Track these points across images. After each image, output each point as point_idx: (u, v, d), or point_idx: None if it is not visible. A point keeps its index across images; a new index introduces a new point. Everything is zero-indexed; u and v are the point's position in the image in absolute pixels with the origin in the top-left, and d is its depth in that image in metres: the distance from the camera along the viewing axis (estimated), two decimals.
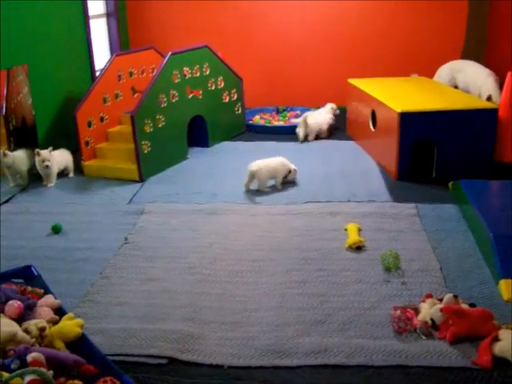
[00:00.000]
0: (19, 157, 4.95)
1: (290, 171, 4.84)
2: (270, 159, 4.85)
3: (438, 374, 2.49)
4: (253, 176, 4.72)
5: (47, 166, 4.94)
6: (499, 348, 2.55)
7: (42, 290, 2.93)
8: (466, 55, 6.85)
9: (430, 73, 6.52)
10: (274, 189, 4.77)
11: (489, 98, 5.50)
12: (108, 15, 7.17)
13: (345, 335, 2.78)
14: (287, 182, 4.88)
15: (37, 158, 4.92)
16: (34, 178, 5.09)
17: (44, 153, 4.90)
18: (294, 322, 2.90)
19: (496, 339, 2.60)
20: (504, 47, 6.31)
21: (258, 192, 4.70)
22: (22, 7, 5.14)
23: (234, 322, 2.92)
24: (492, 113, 4.74)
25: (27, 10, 5.21)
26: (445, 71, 6.35)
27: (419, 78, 6.34)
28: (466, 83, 5.92)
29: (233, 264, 3.53)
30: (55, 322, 2.65)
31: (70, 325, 2.61)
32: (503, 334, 2.61)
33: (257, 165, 4.72)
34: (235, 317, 2.97)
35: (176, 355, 2.66)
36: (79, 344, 2.54)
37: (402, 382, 2.46)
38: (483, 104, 4.92)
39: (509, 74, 5.07)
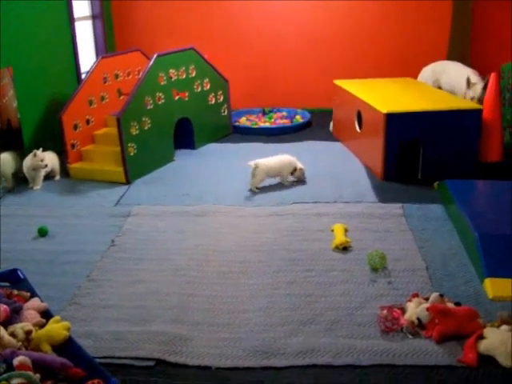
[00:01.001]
0: (4, 159, 4.92)
1: (295, 169, 4.86)
2: (273, 157, 4.88)
3: (425, 373, 2.51)
4: (254, 172, 4.74)
5: (46, 166, 4.94)
6: (484, 346, 2.58)
7: (29, 294, 2.90)
8: (451, 56, 6.90)
9: (415, 74, 6.56)
10: (272, 188, 4.79)
11: (468, 81, 5.52)
12: (93, 17, 7.14)
13: (332, 335, 2.79)
14: (295, 181, 4.93)
15: (33, 160, 4.89)
16: (20, 181, 5.06)
17: (40, 153, 4.88)
18: (281, 323, 2.91)
19: (481, 337, 2.62)
20: (488, 48, 6.37)
21: (246, 193, 4.70)
22: (7, 9, 5.11)
23: (221, 324, 2.92)
24: (477, 113, 4.78)
25: (12, 13, 5.18)
26: (427, 73, 6.38)
27: (404, 79, 6.37)
28: (451, 84, 5.95)
29: (220, 265, 3.53)
30: (42, 326, 2.63)
31: (57, 328, 2.59)
32: (488, 332, 2.64)
33: (255, 162, 4.76)
34: (223, 318, 2.97)
35: (164, 357, 2.66)
36: (66, 347, 2.53)
37: (389, 381, 2.48)
38: (468, 105, 4.95)
39: (492, 74, 5.13)
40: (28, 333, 2.51)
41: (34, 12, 5.52)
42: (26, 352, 2.39)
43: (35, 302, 2.82)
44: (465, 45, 7.02)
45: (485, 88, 5.30)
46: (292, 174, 4.88)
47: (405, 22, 7.22)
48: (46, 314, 2.75)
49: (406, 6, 7.14)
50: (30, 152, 4.92)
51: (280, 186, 4.83)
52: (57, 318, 2.69)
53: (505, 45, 5.81)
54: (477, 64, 5.62)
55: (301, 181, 4.92)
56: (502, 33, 5.94)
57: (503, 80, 5.55)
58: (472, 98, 5.44)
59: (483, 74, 5.55)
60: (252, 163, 4.74)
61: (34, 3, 5.51)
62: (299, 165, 4.88)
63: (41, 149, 4.92)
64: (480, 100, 5.34)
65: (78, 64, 6.37)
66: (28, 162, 4.94)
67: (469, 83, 5.49)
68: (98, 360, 2.54)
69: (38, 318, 2.68)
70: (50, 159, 5.11)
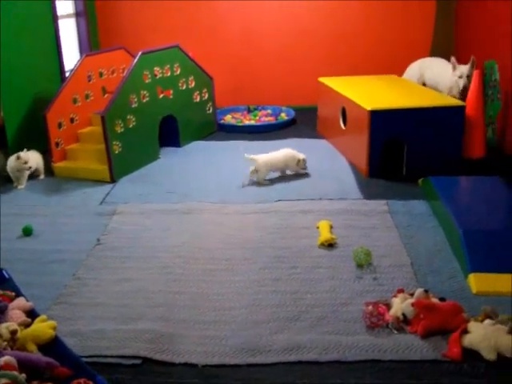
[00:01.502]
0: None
1: (299, 160, 4.94)
2: (276, 152, 4.96)
3: (410, 368, 2.54)
4: (255, 168, 4.81)
5: (30, 168, 4.92)
6: (469, 340, 2.61)
7: (14, 293, 2.90)
8: (434, 53, 6.93)
9: (400, 71, 6.59)
10: (256, 185, 4.81)
11: (453, 64, 5.57)
12: (77, 15, 7.09)
13: (318, 332, 2.80)
14: (298, 173, 5.01)
15: (17, 162, 4.85)
16: (4, 180, 5.03)
17: (24, 155, 4.85)
18: (267, 320, 2.92)
19: (465, 332, 2.65)
20: (471, 45, 6.41)
21: (231, 190, 4.70)
22: None
23: (207, 321, 2.93)
24: (460, 110, 4.82)
25: None
26: (413, 69, 6.42)
27: (389, 77, 6.40)
28: (435, 80, 6.00)
29: (206, 263, 3.53)
30: (27, 325, 2.63)
31: (43, 327, 2.59)
32: (472, 326, 2.66)
33: (259, 157, 4.82)
34: (209, 315, 2.98)
35: (150, 355, 2.66)
36: (52, 346, 2.53)
37: (375, 376, 2.50)
38: (451, 101, 4.99)
39: (475, 72, 5.17)
40: (13, 332, 2.51)
41: (16, 10, 5.47)
42: (11, 352, 2.38)
43: (20, 302, 2.81)
44: (448, 42, 7.07)
45: (472, 66, 5.36)
46: (297, 165, 4.98)
47: (389, 20, 7.25)
48: (32, 314, 2.75)
49: (390, 4, 7.15)
50: (15, 151, 4.88)
51: (262, 184, 4.84)
52: (43, 317, 2.69)
53: (487, 42, 5.86)
54: (460, 61, 5.65)
55: (303, 172, 5.03)
56: (484, 31, 5.98)
57: (486, 77, 5.60)
58: (460, 76, 5.48)
59: (474, 65, 5.58)
60: (249, 157, 4.81)
61: (17, 1, 5.46)
62: (301, 155, 4.98)
63: (25, 150, 4.89)
64: (469, 76, 5.40)
65: (61, 62, 6.32)
66: (12, 163, 4.90)
67: (454, 66, 5.53)
68: (84, 359, 2.54)
69: (23, 318, 2.68)
70: (34, 159, 5.07)
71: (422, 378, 2.47)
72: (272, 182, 4.88)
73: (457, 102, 4.94)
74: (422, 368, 2.53)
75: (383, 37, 7.29)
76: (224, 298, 3.14)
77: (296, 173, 5.01)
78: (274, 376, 2.53)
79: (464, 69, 5.47)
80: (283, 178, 4.95)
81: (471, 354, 2.58)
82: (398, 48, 7.22)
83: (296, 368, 2.57)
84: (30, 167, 4.92)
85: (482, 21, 6.10)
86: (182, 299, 3.13)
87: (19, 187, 4.94)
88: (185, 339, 2.79)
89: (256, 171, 4.83)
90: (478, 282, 3.12)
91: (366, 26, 7.30)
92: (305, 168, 5.03)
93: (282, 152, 4.97)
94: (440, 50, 7.01)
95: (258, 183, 4.84)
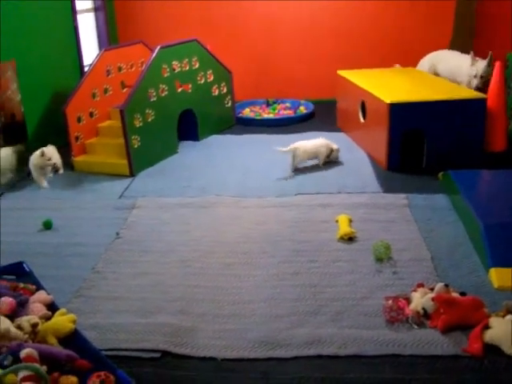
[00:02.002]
0: (3, 155, 4.91)
1: (332, 150, 5.05)
2: (311, 140, 5.08)
3: (430, 363, 2.52)
4: (294, 155, 4.93)
5: (54, 164, 4.88)
6: (490, 336, 2.58)
7: (34, 286, 2.92)
8: (454, 45, 6.86)
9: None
10: (276, 179, 4.82)
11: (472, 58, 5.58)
12: (96, 10, 7.12)
13: (337, 326, 2.79)
14: (330, 161, 5.10)
15: (41, 159, 4.79)
16: (24, 175, 5.06)
17: (48, 151, 4.81)
18: (286, 314, 2.91)
19: (487, 327, 2.62)
20: (493, 36, 6.33)
21: (249, 184, 4.70)
22: (10, 3, 5.10)
23: (226, 315, 2.93)
24: (481, 102, 4.76)
25: (15, 6, 5.18)
26: (424, 64, 6.39)
27: (408, 69, 6.35)
28: (451, 71, 5.95)
29: (225, 257, 3.54)
30: (48, 318, 2.65)
31: (63, 320, 2.61)
32: (494, 321, 2.63)
33: (296, 145, 4.96)
34: (228, 309, 2.98)
35: (169, 348, 2.67)
36: (72, 339, 2.55)
37: (395, 371, 2.48)
38: (472, 94, 4.93)
39: (497, 63, 5.10)
40: (34, 325, 2.53)
41: (37, 5, 5.51)
42: (32, 344, 2.40)
43: (41, 295, 2.83)
44: (469, 33, 6.98)
45: (489, 64, 5.32)
46: (329, 156, 5.07)
47: (409, 12, 7.18)
48: (52, 307, 2.77)
49: None
50: (34, 145, 4.91)
51: (283, 177, 4.82)
52: (63, 310, 2.70)
53: (510, 33, 5.77)
54: (481, 53, 5.58)
55: (336, 161, 5.15)
56: (507, 22, 5.89)
57: (508, 69, 5.52)
58: (475, 76, 5.43)
59: (492, 64, 5.52)
60: (291, 146, 4.92)
61: None
62: (335, 146, 5.08)
63: (48, 146, 4.89)
64: (483, 77, 5.34)
65: (80, 57, 6.37)
66: (36, 160, 4.84)
67: (472, 61, 5.51)
68: (103, 352, 2.55)
69: (44, 311, 2.69)
70: (55, 154, 5.08)
71: (443, 373, 2.45)
72: (290, 175, 4.86)
73: (478, 95, 4.87)
74: (442, 363, 2.51)
75: (403, 29, 7.23)
76: (243, 292, 3.13)
77: (321, 163, 5.09)
78: (294, 370, 2.52)
79: (479, 67, 5.43)
80: (302, 171, 4.93)
81: (492, 350, 2.55)
82: (417, 40, 7.15)
83: (315, 362, 2.57)
84: (55, 163, 4.90)
85: (504, 11, 6.01)
86: (200, 293, 3.14)
87: (43, 186, 4.87)
88: (204, 333, 2.79)
89: (295, 157, 4.96)
90: (499, 276, 3.08)
91: (385, 18, 7.23)
92: (337, 158, 5.13)
93: (318, 141, 5.08)
94: (460, 40, 6.95)
95: (292, 168, 4.97)
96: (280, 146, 4.96)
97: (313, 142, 5.06)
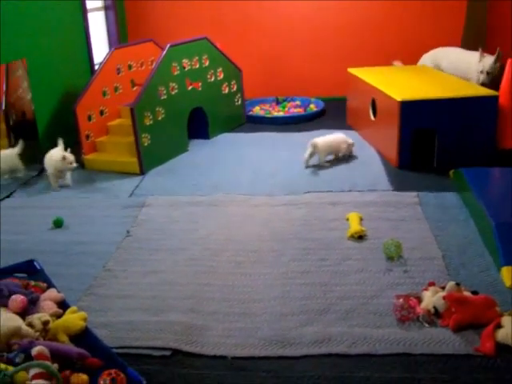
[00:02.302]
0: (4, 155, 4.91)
1: (349, 145, 5.17)
2: (331, 135, 5.16)
3: (442, 362, 2.50)
4: (313, 151, 4.98)
5: (75, 167, 4.81)
6: (502, 335, 2.56)
7: (45, 284, 2.94)
8: (466, 42, 6.82)
9: None
10: (285, 177, 4.81)
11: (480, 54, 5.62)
12: (106, 8, 7.14)
13: (348, 324, 2.78)
14: (343, 156, 5.19)
15: (63, 162, 4.71)
16: (35, 173, 5.08)
17: (69, 155, 4.74)
18: (296, 312, 2.90)
19: (499, 326, 2.60)
20: (505, 33, 6.28)
21: (259, 182, 4.69)
22: (20, 2, 5.12)
23: (237, 313, 2.93)
24: (492, 100, 4.73)
25: (25, 4, 5.19)
26: (426, 61, 6.39)
27: (419, 67, 6.32)
28: (456, 67, 5.95)
29: (235, 255, 3.53)
30: (59, 316, 2.66)
31: (74, 318, 2.62)
32: (506, 320, 2.61)
33: (317, 140, 5.00)
34: (238, 307, 2.98)
35: (180, 347, 2.67)
36: (83, 337, 2.56)
37: (405, 370, 2.47)
38: (484, 91, 4.89)
39: (509, 60, 5.05)
40: (45, 323, 2.54)
41: (47, 4, 5.53)
42: (43, 342, 2.41)
43: (52, 293, 2.84)
44: (481, 31, 6.94)
45: (496, 61, 5.31)
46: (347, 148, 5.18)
47: (420, 9, 7.14)
48: (63, 305, 2.78)
49: None
50: (45, 144, 4.91)
51: (292, 175, 4.82)
52: (73, 308, 2.71)
53: None
54: (493, 50, 5.54)
55: (350, 155, 5.23)
56: None
57: None
58: (481, 71, 5.48)
59: (499, 60, 5.50)
60: (314, 142, 4.97)
61: None
62: (350, 140, 5.18)
63: (68, 150, 4.81)
64: (490, 73, 5.38)
65: (91, 55, 6.38)
66: (56, 163, 4.74)
67: (480, 57, 5.51)
68: (114, 350, 2.56)
69: (54, 309, 2.71)
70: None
71: (454, 372, 2.44)
72: (300, 172, 4.85)
73: (489, 92, 4.84)
74: (453, 362, 2.49)
75: (413, 26, 7.18)
76: (253, 291, 3.13)
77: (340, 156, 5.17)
78: (304, 368, 2.52)
79: (486, 63, 5.41)
80: (311, 169, 4.92)
81: (505, 349, 2.53)
82: (428, 37, 7.09)
83: (325, 361, 2.56)
84: (75, 166, 4.84)
85: None
86: (210, 291, 3.14)
87: (56, 188, 4.81)
88: (214, 331, 2.79)
89: (313, 154, 5.00)
90: (511, 275, 3.06)
91: (395, 15, 7.19)
92: (351, 152, 5.23)
93: (337, 136, 5.15)
94: (472, 37, 6.91)
95: (320, 165, 5.01)
96: (290, 143, 4.96)
97: (332, 138, 5.12)
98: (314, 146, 4.96)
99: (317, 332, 2.74)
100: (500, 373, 2.42)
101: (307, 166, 4.98)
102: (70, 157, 4.77)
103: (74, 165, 4.79)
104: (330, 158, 5.12)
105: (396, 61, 6.67)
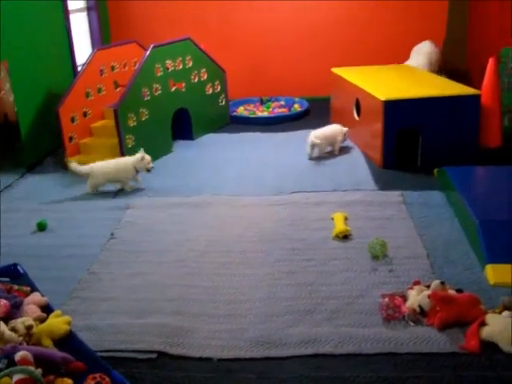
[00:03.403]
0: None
1: (344, 134, 5.35)
2: (327, 127, 5.35)
3: (427, 360, 2.51)
4: (314, 145, 5.13)
5: (152, 168, 4.75)
6: (486, 332, 2.58)
7: (29, 288, 2.90)
8: (448, 42, 6.87)
9: None
10: (271, 177, 4.81)
11: None
12: (88, 9, 7.09)
13: (334, 324, 2.79)
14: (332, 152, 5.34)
15: (142, 163, 4.66)
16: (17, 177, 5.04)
17: (147, 156, 4.69)
18: (283, 313, 2.90)
19: (483, 324, 2.62)
20: (486, 32, 6.33)
21: (244, 183, 4.69)
22: (1, 2, 5.06)
23: (223, 315, 2.92)
24: (475, 99, 4.76)
25: (6, 5, 5.14)
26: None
27: (402, 66, 6.34)
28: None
29: (220, 256, 3.52)
30: (43, 320, 2.63)
31: (58, 322, 2.59)
32: (490, 318, 2.63)
33: (315, 134, 5.16)
34: (224, 309, 2.97)
35: (165, 349, 2.66)
36: (67, 341, 2.52)
37: (392, 369, 2.48)
38: (466, 90, 4.92)
39: (490, 59, 5.09)
40: (29, 328, 2.51)
41: (28, 5, 5.47)
42: (27, 347, 2.38)
43: (36, 297, 2.81)
44: (462, 30, 6.99)
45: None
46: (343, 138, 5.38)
47: (402, 9, 7.17)
48: (47, 309, 2.75)
49: None
50: (28, 146, 4.85)
51: (278, 175, 4.81)
52: (57, 312, 2.68)
53: (503, 29, 5.77)
54: (475, 49, 5.58)
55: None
56: (499, 17, 5.89)
57: (501, 65, 5.51)
58: None
59: (481, 59, 5.53)
60: (312, 137, 5.13)
61: None
62: (344, 128, 5.37)
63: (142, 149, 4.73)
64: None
65: (73, 56, 6.34)
66: (136, 164, 4.67)
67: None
68: (99, 353, 2.53)
69: (38, 313, 2.67)
70: None
71: (440, 370, 2.45)
72: (285, 173, 4.85)
73: (472, 91, 4.86)
74: (439, 361, 2.50)
75: (396, 26, 7.22)
76: (239, 292, 3.12)
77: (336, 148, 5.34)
78: (290, 369, 2.51)
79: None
80: (298, 169, 4.92)
81: (489, 347, 2.55)
82: (411, 36, 7.12)
83: (312, 361, 2.56)
84: (153, 167, 4.78)
85: (496, 7, 6.00)
86: (196, 293, 3.13)
87: (129, 187, 4.74)
88: (200, 333, 2.78)
89: (313, 147, 5.16)
90: (495, 273, 3.08)
91: (378, 15, 7.23)
92: (346, 140, 5.42)
93: (334, 127, 5.35)
94: (454, 37, 6.98)
95: (320, 157, 5.17)
96: (275, 143, 4.95)
97: (330, 129, 5.29)
98: (313, 140, 5.09)
99: (303, 332, 2.73)
100: (485, 370, 2.43)
101: (310, 158, 5.16)
102: (148, 157, 4.72)
103: (152, 165, 4.73)
104: (329, 149, 5.28)
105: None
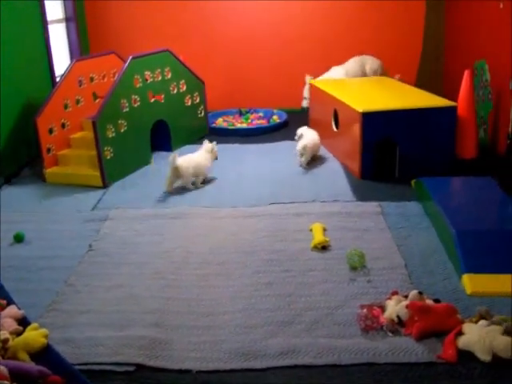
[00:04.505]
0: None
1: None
2: (312, 132, 5.46)
3: (405, 370, 2.52)
4: (302, 152, 5.24)
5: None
6: (463, 341, 2.60)
7: (5, 301, 2.87)
8: (425, 54, 6.97)
9: (392, 71, 6.62)
10: (249, 188, 4.79)
11: None
12: (67, 20, 7.06)
13: (312, 335, 2.79)
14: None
15: (211, 154, 5.06)
16: None
17: (214, 146, 5.08)
18: (261, 324, 2.90)
19: (460, 333, 2.64)
20: (462, 45, 6.43)
21: (223, 194, 4.69)
22: None
23: (201, 326, 2.91)
24: (452, 110, 4.82)
25: None
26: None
27: (380, 78, 6.41)
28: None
29: (199, 268, 3.52)
30: (19, 333, 2.60)
31: (35, 335, 2.56)
32: (467, 327, 2.66)
33: (303, 144, 5.24)
34: (203, 321, 2.96)
35: (144, 362, 2.64)
36: (44, 354, 2.50)
37: (370, 379, 2.49)
38: (443, 102, 4.98)
39: (466, 72, 5.17)
40: (4, 341, 2.48)
41: (5, 15, 5.44)
42: (2, 361, 2.35)
43: (12, 310, 2.78)
44: (439, 43, 7.10)
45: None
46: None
47: (378, 21, 7.26)
48: (23, 322, 2.72)
49: (378, 5, 7.17)
50: (7, 157, 4.81)
51: (257, 186, 4.82)
52: (34, 325, 2.66)
53: (478, 42, 5.87)
54: (451, 61, 5.66)
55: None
56: (474, 30, 5.99)
57: (476, 77, 5.61)
58: None
59: (457, 71, 5.62)
60: (301, 145, 5.21)
61: (5, 6, 5.41)
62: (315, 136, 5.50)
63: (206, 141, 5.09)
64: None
65: (52, 67, 6.30)
66: (206, 154, 5.03)
67: None
68: (77, 367, 2.51)
69: (14, 326, 2.64)
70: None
71: (418, 380, 2.46)
72: (264, 184, 4.86)
73: (448, 103, 4.93)
74: (417, 370, 2.52)
75: (374, 39, 7.29)
76: (218, 303, 3.12)
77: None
78: (269, 381, 2.51)
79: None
80: (276, 180, 4.94)
81: (466, 356, 2.57)
82: (388, 48, 7.22)
83: (291, 372, 2.56)
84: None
85: (471, 20, 6.10)
86: (175, 305, 3.11)
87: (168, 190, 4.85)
88: (178, 345, 2.77)
89: (302, 155, 5.25)
90: (472, 282, 3.11)
91: (355, 27, 7.30)
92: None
93: (311, 134, 5.42)
94: (430, 50, 7.07)
95: (299, 168, 5.24)
96: (254, 155, 4.96)
97: (315, 134, 5.41)
98: (303, 149, 5.18)
99: (282, 343, 2.74)
100: (462, 379, 2.45)
101: (302, 166, 5.25)
102: (213, 144, 5.06)
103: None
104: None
105: (396, 75, 6.74)
